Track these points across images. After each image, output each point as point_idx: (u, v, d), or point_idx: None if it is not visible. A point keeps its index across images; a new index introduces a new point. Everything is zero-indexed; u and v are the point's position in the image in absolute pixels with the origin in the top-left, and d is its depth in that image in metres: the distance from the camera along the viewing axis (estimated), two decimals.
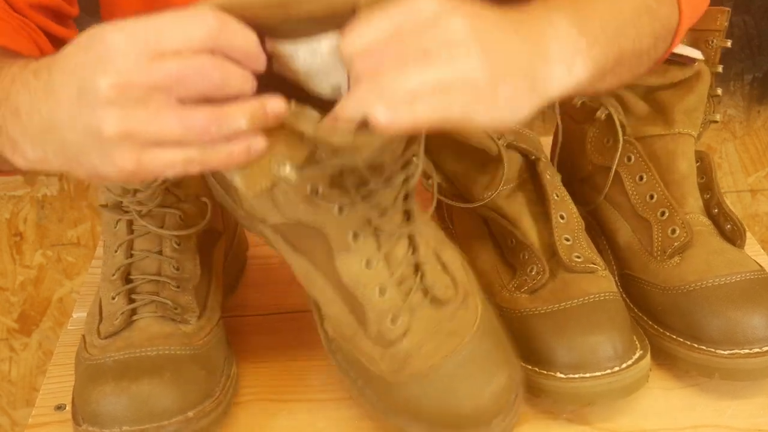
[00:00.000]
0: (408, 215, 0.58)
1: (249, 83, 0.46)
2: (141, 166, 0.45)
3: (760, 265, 0.65)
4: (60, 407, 0.63)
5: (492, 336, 0.59)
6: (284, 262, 0.79)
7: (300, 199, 0.54)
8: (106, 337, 0.61)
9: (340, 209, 0.55)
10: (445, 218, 0.77)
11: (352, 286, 0.56)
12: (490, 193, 0.68)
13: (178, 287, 0.63)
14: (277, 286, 0.77)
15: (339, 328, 0.59)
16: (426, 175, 0.70)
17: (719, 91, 0.73)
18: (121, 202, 0.65)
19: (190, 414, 0.57)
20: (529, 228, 0.67)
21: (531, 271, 0.64)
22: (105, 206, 0.65)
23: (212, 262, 0.69)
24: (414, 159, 0.56)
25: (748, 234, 0.71)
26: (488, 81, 0.47)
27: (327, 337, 0.62)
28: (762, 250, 0.78)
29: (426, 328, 0.57)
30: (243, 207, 0.60)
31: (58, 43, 0.72)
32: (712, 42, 0.72)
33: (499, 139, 0.67)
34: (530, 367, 0.61)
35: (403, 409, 0.57)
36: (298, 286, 0.72)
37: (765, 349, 0.60)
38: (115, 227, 0.65)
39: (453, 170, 0.70)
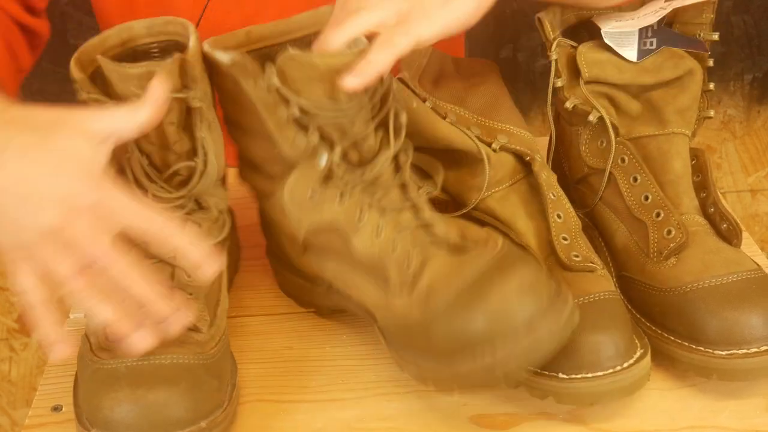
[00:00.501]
0: (405, 189, 0.63)
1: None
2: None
3: (758, 264, 0.65)
4: (57, 408, 0.63)
5: (519, 255, 0.59)
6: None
7: (304, 206, 0.62)
8: (115, 341, 0.59)
9: (341, 197, 0.61)
10: None
11: (368, 255, 0.61)
12: (477, 196, 0.68)
13: (190, 295, 0.63)
14: (276, 287, 0.77)
15: (378, 308, 0.62)
16: (417, 185, 0.70)
17: (711, 85, 0.73)
18: None
19: (203, 424, 0.57)
20: (524, 228, 0.67)
21: None
22: None
23: (221, 271, 0.68)
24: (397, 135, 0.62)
25: (746, 234, 0.71)
26: (413, 4, 0.59)
27: (381, 334, 0.64)
28: (760, 250, 0.78)
29: (443, 265, 0.59)
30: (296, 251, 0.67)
31: (28, 33, 0.77)
32: (700, 35, 0.71)
33: (492, 143, 0.67)
34: (531, 368, 0.60)
35: (451, 348, 0.57)
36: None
37: (763, 348, 0.60)
38: None
39: (444, 177, 0.70)
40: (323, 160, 0.60)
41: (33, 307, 0.53)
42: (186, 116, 0.62)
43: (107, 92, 0.60)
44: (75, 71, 0.60)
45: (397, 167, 0.63)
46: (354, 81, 0.57)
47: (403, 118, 0.62)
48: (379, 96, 0.61)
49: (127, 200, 0.53)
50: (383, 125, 0.62)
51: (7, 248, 0.53)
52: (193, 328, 0.61)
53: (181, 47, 0.63)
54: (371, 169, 0.61)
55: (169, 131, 0.61)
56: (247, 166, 0.68)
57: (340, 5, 0.62)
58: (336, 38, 0.59)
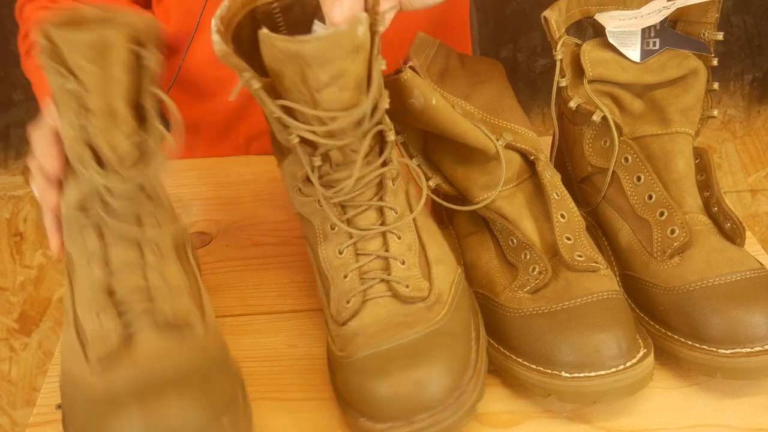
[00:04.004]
0: (382, 215, 0.62)
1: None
2: None
3: (761, 263, 0.65)
4: (60, 406, 0.63)
5: (444, 338, 0.58)
6: (283, 263, 0.79)
7: (292, 193, 0.65)
8: (101, 360, 0.55)
9: (320, 202, 0.62)
10: (444, 219, 0.77)
11: (325, 269, 0.63)
12: (490, 194, 0.68)
13: (171, 293, 0.58)
14: (279, 285, 0.77)
15: (325, 314, 0.64)
16: (426, 177, 0.70)
17: (716, 85, 0.73)
18: (84, 203, 0.58)
19: (225, 422, 0.53)
20: (530, 228, 0.67)
21: (533, 271, 0.64)
22: (68, 209, 0.58)
23: (190, 262, 0.63)
24: (388, 161, 0.62)
25: (749, 233, 0.71)
26: None
27: (327, 340, 0.64)
28: (762, 250, 0.78)
29: (378, 315, 0.59)
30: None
31: None
32: (704, 35, 0.71)
33: (498, 140, 0.67)
34: (534, 366, 0.61)
35: (348, 391, 0.58)
36: (297, 285, 0.73)
37: (767, 347, 0.60)
38: (83, 238, 0.58)
39: (452, 172, 0.70)
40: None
41: None
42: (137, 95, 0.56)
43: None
44: (41, 39, 0.53)
45: (380, 188, 0.63)
46: (336, 10, 0.56)
47: (390, 137, 0.61)
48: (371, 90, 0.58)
49: None
50: (377, 137, 0.61)
51: None
52: (186, 325, 0.57)
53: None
54: (346, 177, 0.61)
55: (120, 108, 0.55)
56: (270, 131, 0.67)
57: None
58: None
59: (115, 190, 0.57)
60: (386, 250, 0.62)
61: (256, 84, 0.56)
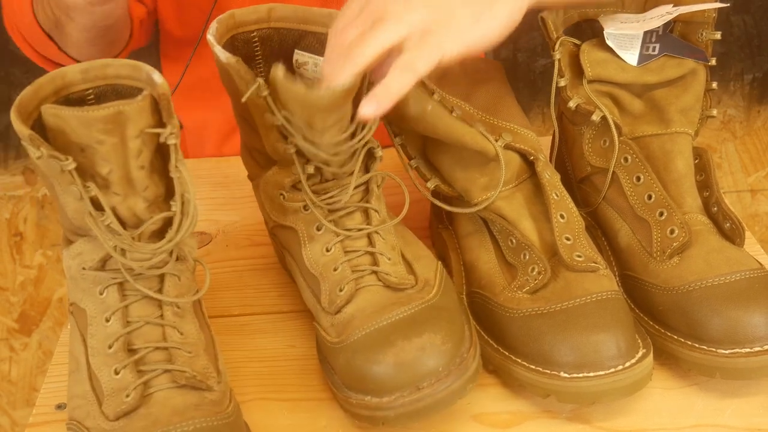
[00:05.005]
0: (367, 216, 0.65)
1: None
2: None
3: (760, 263, 0.65)
4: (61, 406, 0.63)
5: (440, 311, 0.61)
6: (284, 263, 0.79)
7: (273, 202, 0.67)
8: (117, 418, 0.54)
9: (305, 207, 0.65)
10: (444, 219, 0.77)
11: (312, 267, 0.64)
12: (489, 195, 0.68)
13: (190, 353, 0.58)
14: (278, 286, 0.77)
15: (312, 312, 0.66)
16: (425, 178, 0.71)
17: (714, 84, 0.73)
18: (105, 262, 0.58)
19: None
20: (529, 228, 0.67)
21: (532, 271, 0.64)
22: (84, 269, 0.58)
23: (203, 311, 0.63)
24: (371, 166, 0.65)
25: (748, 234, 0.71)
26: (441, 16, 0.56)
27: (317, 338, 0.66)
28: (762, 250, 0.78)
29: (372, 300, 0.61)
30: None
31: None
32: (702, 34, 0.71)
33: (497, 140, 0.67)
34: (533, 367, 0.61)
35: (348, 377, 0.59)
36: (296, 286, 0.73)
37: (766, 347, 0.60)
38: (102, 294, 0.58)
39: (451, 173, 0.70)
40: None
41: None
42: (154, 157, 0.56)
43: (54, 146, 0.54)
44: (22, 128, 0.53)
45: (367, 192, 0.66)
46: (369, 109, 0.54)
47: (378, 153, 0.65)
48: (360, 127, 0.62)
49: None
50: (366, 153, 0.65)
51: None
52: (205, 388, 0.57)
53: (118, 91, 0.57)
54: (336, 187, 0.64)
55: (139, 176, 0.55)
56: (243, 146, 0.71)
57: (346, 11, 0.60)
58: (359, 58, 0.56)
59: (141, 257, 0.57)
60: (373, 247, 0.64)
61: (265, 91, 0.60)
